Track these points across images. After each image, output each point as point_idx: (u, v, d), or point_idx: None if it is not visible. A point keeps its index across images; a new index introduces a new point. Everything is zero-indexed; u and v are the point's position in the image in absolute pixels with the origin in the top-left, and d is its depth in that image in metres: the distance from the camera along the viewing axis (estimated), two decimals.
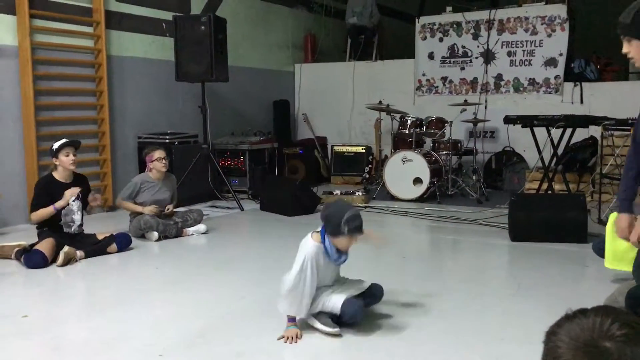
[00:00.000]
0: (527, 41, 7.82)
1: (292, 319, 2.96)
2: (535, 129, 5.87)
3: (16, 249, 4.44)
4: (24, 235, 5.10)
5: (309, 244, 2.95)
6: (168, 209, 5.28)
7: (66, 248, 4.35)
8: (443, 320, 3.16)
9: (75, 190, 4.51)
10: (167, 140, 6.70)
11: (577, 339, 0.85)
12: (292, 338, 2.88)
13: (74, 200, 4.53)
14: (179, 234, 5.26)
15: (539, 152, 5.89)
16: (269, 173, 7.77)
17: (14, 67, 5.62)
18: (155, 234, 5.11)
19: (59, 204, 4.45)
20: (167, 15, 7.01)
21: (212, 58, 6.37)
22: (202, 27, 6.35)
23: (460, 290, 3.69)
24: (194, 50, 6.42)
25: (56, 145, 4.54)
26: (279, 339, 2.90)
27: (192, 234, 5.34)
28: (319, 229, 3.00)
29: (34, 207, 4.49)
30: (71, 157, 4.53)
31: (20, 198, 5.61)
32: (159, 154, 5.31)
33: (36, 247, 4.34)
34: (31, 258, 4.24)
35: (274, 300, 3.05)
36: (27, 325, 3.14)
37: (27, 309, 3.37)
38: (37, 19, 5.76)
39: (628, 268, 3.25)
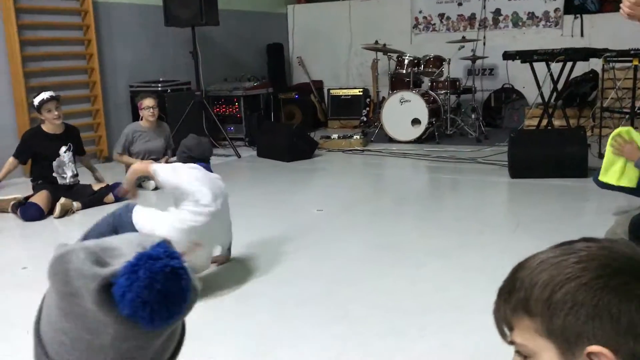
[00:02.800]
0: None
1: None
2: (534, 64, 5.74)
3: (12, 202, 4.41)
4: (19, 189, 5.05)
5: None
6: (167, 160, 5.21)
7: (62, 200, 4.32)
8: (443, 259, 3.15)
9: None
10: (159, 88, 6.56)
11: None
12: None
13: (65, 152, 4.47)
14: None
15: (539, 87, 5.77)
16: (265, 119, 7.66)
17: None
18: (152, 183, 5.06)
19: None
20: None
21: (202, 1, 6.16)
22: None
23: (459, 229, 3.67)
24: None
25: (35, 102, 4.44)
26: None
27: None
28: None
29: (15, 156, 4.53)
30: (54, 112, 4.43)
31: (13, 151, 5.53)
32: (147, 102, 5.22)
33: (31, 199, 4.31)
34: (27, 210, 4.21)
35: (273, 249, 3.03)
36: (26, 277, 3.13)
37: (25, 261, 3.37)
38: None
39: (624, 183, 3.25)
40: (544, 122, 5.95)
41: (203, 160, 3.05)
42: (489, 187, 4.80)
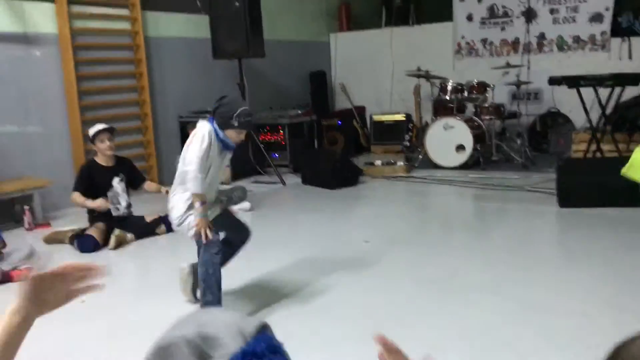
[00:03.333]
0: None
1: (203, 202, 2.97)
2: (581, 89, 5.67)
3: (70, 234, 4.59)
4: (74, 219, 5.26)
5: (206, 126, 2.99)
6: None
7: (117, 231, 4.47)
8: (492, 295, 3.13)
9: (104, 206, 4.57)
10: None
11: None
12: (205, 230, 2.93)
13: (117, 183, 4.63)
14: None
15: (586, 112, 5.69)
16: (308, 146, 7.76)
17: (55, 55, 5.72)
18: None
19: (92, 204, 4.55)
20: None
21: (248, 34, 6.33)
22: (237, 4, 6.30)
23: (508, 262, 3.64)
24: (229, 27, 6.39)
25: (91, 132, 4.63)
26: (193, 233, 2.95)
27: (238, 212, 5.40)
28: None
29: (75, 188, 4.64)
30: (107, 143, 4.61)
31: (69, 182, 5.71)
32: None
33: (87, 231, 4.47)
34: (83, 243, 4.37)
35: (321, 280, 3.07)
36: (84, 310, 3.24)
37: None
38: (75, 4, 5.81)
39: None
40: (592, 147, 5.84)
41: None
42: (538, 217, 4.74)
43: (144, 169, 6.44)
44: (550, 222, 4.69)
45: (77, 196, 4.57)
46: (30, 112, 5.53)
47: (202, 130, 2.98)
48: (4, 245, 4.13)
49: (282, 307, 3.13)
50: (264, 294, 3.35)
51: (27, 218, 5.09)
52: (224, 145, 3.08)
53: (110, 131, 4.67)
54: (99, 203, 4.54)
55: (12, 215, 5.23)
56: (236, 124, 3.01)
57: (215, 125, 3.01)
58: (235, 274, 3.66)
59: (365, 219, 5.06)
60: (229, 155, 3.27)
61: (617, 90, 5.54)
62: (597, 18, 7.40)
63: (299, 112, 7.81)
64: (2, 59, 5.36)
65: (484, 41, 8.20)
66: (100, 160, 4.68)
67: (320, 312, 3.03)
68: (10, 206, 5.26)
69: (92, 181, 4.60)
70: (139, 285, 3.78)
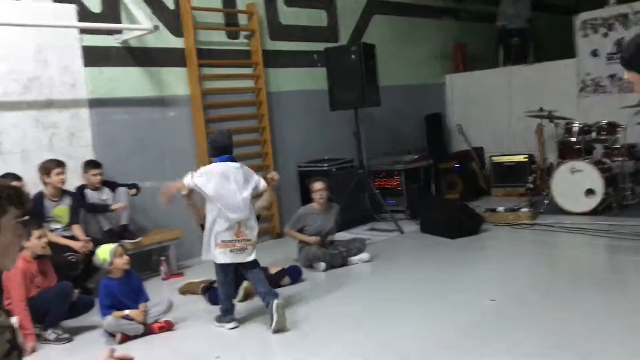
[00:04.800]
0: None
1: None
2: None
3: (202, 285, 4.87)
4: (205, 268, 5.56)
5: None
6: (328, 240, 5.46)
7: (245, 283, 4.65)
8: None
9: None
10: (325, 167, 6.92)
11: None
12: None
13: None
14: (344, 263, 5.40)
15: None
16: (425, 191, 7.69)
17: (187, 114, 6.17)
18: (323, 265, 5.31)
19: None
20: (318, 47, 7.25)
21: (364, 84, 6.47)
22: (353, 56, 6.49)
23: None
24: (345, 78, 6.58)
25: None
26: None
27: (357, 263, 5.46)
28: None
29: None
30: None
31: (200, 233, 6.10)
32: (316, 186, 5.51)
33: (217, 283, 4.70)
34: (214, 295, 4.60)
35: (444, 345, 3.00)
36: None
37: (218, 349, 3.67)
38: (205, 67, 6.27)
39: None
40: None
41: (224, 148, 4.16)
42: None
43: (266, 216, 6.71)
44: None
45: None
46: (166, 168, 5.97)
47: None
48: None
49: None
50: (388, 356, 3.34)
51: (163, 268, 5.47)
52: None
53: None
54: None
55: (150, 266, 5.65)
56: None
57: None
58: (359, 333, 3.68)
59: (488, 273, 4.89)
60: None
61: None
62: None
63: (415, 156, 7.80)
64: (143, 120, 5.88)
65: (611, 77, 7.76)
66: None
67: None
68: (148, 257, 5.68)
69: None
70: (267, 342, 3.89)
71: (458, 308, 4.00)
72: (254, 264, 4.14)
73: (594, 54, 7.87)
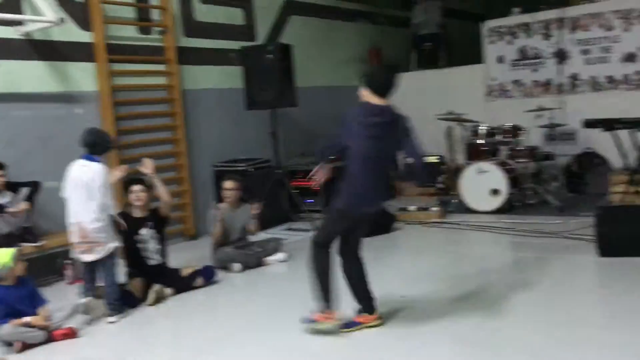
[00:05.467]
0: (602, 37, 7.47)
1: None
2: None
3: None
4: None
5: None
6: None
7: (155, 287, 4.53)
8: (530, 356, 3.07)
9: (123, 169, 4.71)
10: (242, 167, 6.86)
11: None
12: None
13: (147, 230, 4.69)
14: (259, 263, 5.37)
15: (623, 155, 5.62)
16: None
17: (96, 111, 5.92)
18: (238, 265, 5.25)
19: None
20: (234, 45, 7.18)
21: (280, 85, 6.47)
22: (269, 56, 6.47)
23: (549, 320, 3.57)
24: (262, 78, 6.54)
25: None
26: None
27: (272, 263, 5.44)
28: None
29: None
30: (138, 194, 4.76)
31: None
32: (226, 184, 5.46)
33: (127, 287, 4.55)
34: (123, 299, 4.44)
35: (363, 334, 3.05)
36: None
37: (126, 356, 3.54)
38: (115, 63, 6.04)
39: None
40: (632, 189, 5.72)
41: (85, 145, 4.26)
42: (577, 269, 4.65)
43: (181, 218, 6.56)
44: (590, 274, 4.60)
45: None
46: None
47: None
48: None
49: None
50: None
51: (68, 272, 5.22)
52: None
53: (141, 182, 4.83)
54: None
55: (55, 269, 5.36)
56: (110, 145, 4.37)
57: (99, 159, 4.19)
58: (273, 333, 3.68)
59: (400, 271, 5.02)
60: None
61: None
62: (630, 58, 7.35)
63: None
64: (47, 117, 5.58)
65: (515, 82, 8.19)
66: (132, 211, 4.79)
67: None
68: (52, 260, 5.40)
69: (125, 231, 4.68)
70: (179, 347, 3.81)
71: None
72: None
73: (500, 60, 8.28)
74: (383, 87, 3.49)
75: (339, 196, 3.53)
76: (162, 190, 4.82)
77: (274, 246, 5.56)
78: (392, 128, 3.46)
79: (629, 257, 4.57)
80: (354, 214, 3.49)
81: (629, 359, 2.93)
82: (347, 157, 3.49)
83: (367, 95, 3.48)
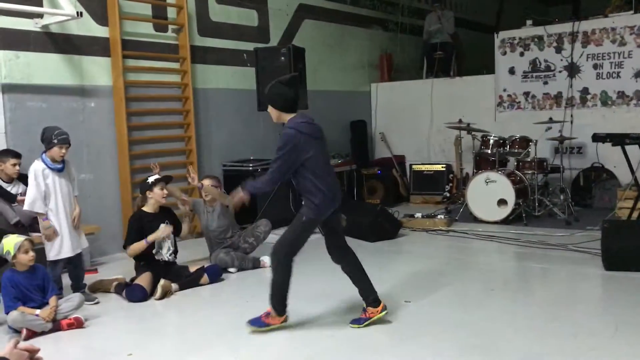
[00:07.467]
0: (614, 52, 7.49)
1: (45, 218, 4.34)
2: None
3: (115, 283, 4.72)
4: (121, 264, 5.42)
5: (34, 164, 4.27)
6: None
7: (163, 282, 4.56)
8: None
9: (168, 230, 4.72)
10: (250, 167, 6.89)
11: None
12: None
13: (164, 226, 4.73)
14: (255, 265, 5.35)
15: (632, 171, 5.62)
16: (348, 195, 7.82)
17: (109, 106, 5.97)
18: (232, 270, 5.25)
19: (150, 237, 4.66)
20: (248, 46, 7.23)
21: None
22: (282, 58, 6.51)
23: (553, 330, 3.57)
24: (274, 79, 6.56)
25: (151, 179, 4.80)
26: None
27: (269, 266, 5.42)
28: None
29: (128, 242, 4.74)
30: (164, 190, 4.79)
31: (117, 229, 5.94)
32: (204, 182, 5.37)
33: (136, 281, 4.58)
34: (132, 292, 4.48)
35: (365, 337, 3.07)
36: None
37: (131, 347, 3.57)
38: (129, 59, 6.09)
39: None
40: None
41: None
42: (582, 280, 4.66)
43: (189, 215, 6.58)
44: (595, 286, 4.59)
45: (133, 246, 4.68)
46: (83, 160, 5.76)
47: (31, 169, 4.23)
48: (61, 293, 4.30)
49: None
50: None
51: None
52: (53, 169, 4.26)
53: (167, 180, 4.93)
54: (159, 233, 4.68)
55: None
56: (56, 141, 4.22)
57: (43, 156, 4.27)
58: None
59: (405, 276, 5.04)
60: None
61: None
62: None
63: (339, 161, 7.92)
64: (61, 109, 5.64)
65: (526, 94, 8.22)
66: (148, 208, 4.82)
67: None
68: None
69: (143, 231, 4.72)
70: (185, 340, 3.83)
71: None
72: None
73: (511, 71, 8.31)
74: (292, 104, 3.78)
75: (307, 207, 3.66)
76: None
77: (265, 230, 5.50)
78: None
79: (634, 271, 4.58)
80: (325, 216, 3.70)
81: None
82: (301, 172, 3.62)
83: (280, 116, 3.79)
